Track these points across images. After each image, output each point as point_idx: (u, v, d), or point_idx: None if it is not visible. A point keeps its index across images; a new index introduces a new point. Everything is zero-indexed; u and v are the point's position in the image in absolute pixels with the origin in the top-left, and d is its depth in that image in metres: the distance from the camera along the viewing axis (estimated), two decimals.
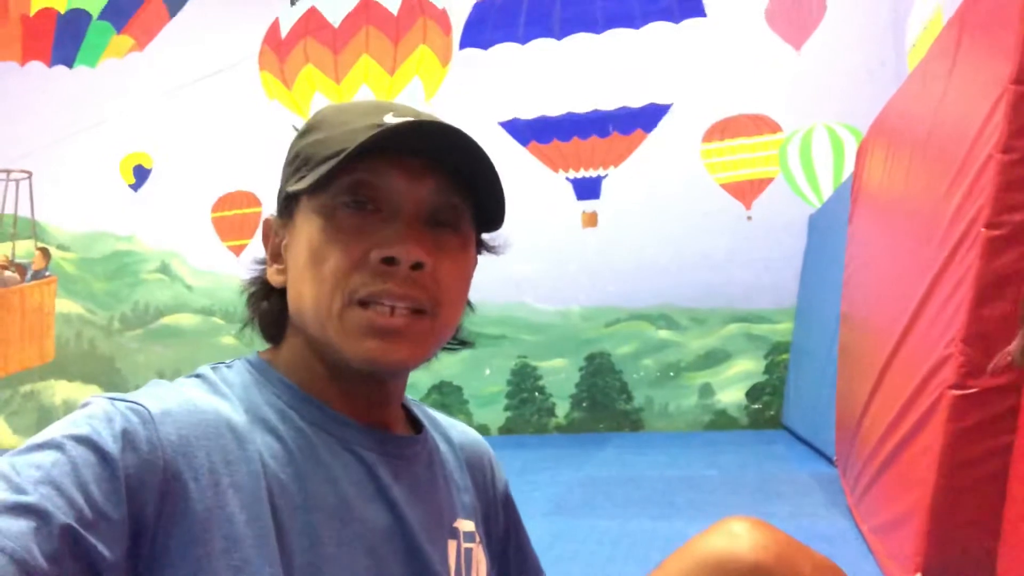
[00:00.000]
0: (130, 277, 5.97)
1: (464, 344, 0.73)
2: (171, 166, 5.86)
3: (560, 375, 5.10)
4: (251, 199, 5.67)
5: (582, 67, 5.06)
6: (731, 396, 4.83)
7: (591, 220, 5.07)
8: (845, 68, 4.61)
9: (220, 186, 5.74)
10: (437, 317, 0.62)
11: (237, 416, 0.58)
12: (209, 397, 0.58)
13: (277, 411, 0.61)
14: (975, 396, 1.36)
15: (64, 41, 5.85)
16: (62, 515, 0.44)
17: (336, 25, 5.43)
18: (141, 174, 5.91)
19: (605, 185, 5.05)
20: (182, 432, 0.53)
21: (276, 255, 0.66)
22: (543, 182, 5.09)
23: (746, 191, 4.84)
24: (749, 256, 4.77)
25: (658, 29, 4.96)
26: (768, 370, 4.77)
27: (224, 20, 5.74)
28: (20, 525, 0.43)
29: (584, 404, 5.05)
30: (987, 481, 1.36)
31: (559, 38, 5.07)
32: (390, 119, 0.60)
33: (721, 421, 4.81)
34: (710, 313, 4.90)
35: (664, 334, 4.97)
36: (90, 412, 0.52)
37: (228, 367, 0.64)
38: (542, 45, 5.12)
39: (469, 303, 0.70)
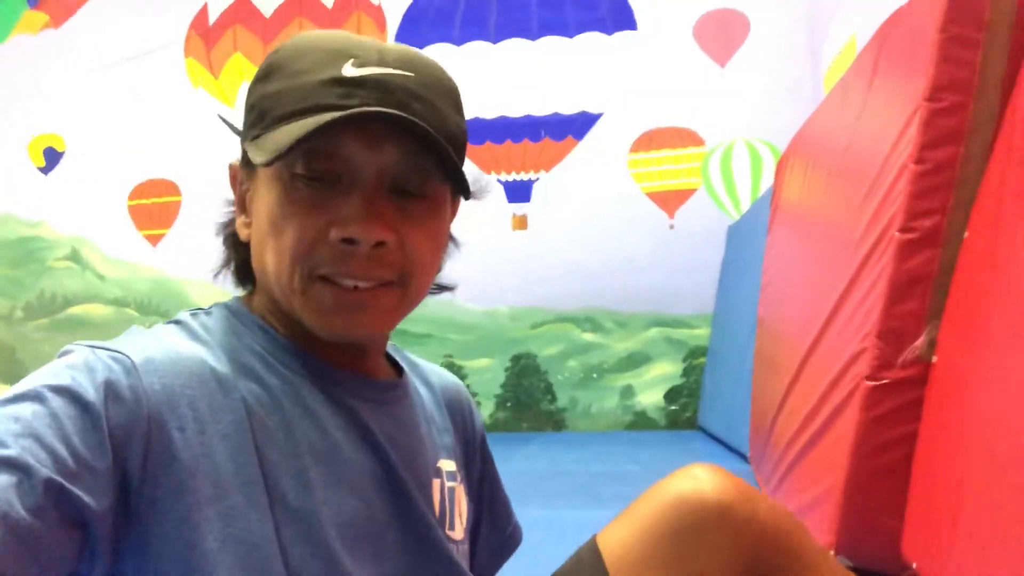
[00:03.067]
0: (36, 264, 5.67)
1: (444, 289, 0.73)
2: (86, 150, 5.60)
3: (486, 375, 5.14)
4: (171, 187, 5.48)
5: (517, 72, 5.14)
6: (650, 398, 4.98)
7: (521, 223, 5.14)
8: (765, 87, 4.84)
9: (138, 173, 5.52)
10: (407, 287, 0.61)
11: (220, 364, 0.57)
12: (191, 344, 0.58)
13: (259, 358, 0.60)
14: (887, 387, 1.47)
15: None
16: (44, 468, 0.44)
17: (268, 15, 5.32)
18: (52, 157, 5.62)
19: (535, 189, 5.14)
20: (165, 381, 0.53)
21: (243, 205, 0.65)
22: (474, 183, 5.12)
23: (669, 201, 5.01)
24: (671, 263, 4.93)
25: (591, 39, 5.09)
26: (686, 373, 4.95)
27: (149, 2, 5.55)
28: (1, 480, 0.42)
29: (509, 404, 5.11)
30: (895, 466, 1.47)
31: (494, 42, 5.13)
32: (349, 70, 0.57)
33: (640, 422, 4.96)
34: (632, 317, 5.04)
35: (589, 336, 5.09)
36: (70, 362, 0.51)
37: (207, 313, 0.63)
38: (477, 48, 5.16)
39: (454, 240, 0.69)
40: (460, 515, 0.72)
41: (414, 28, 5.20)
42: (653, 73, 5.02)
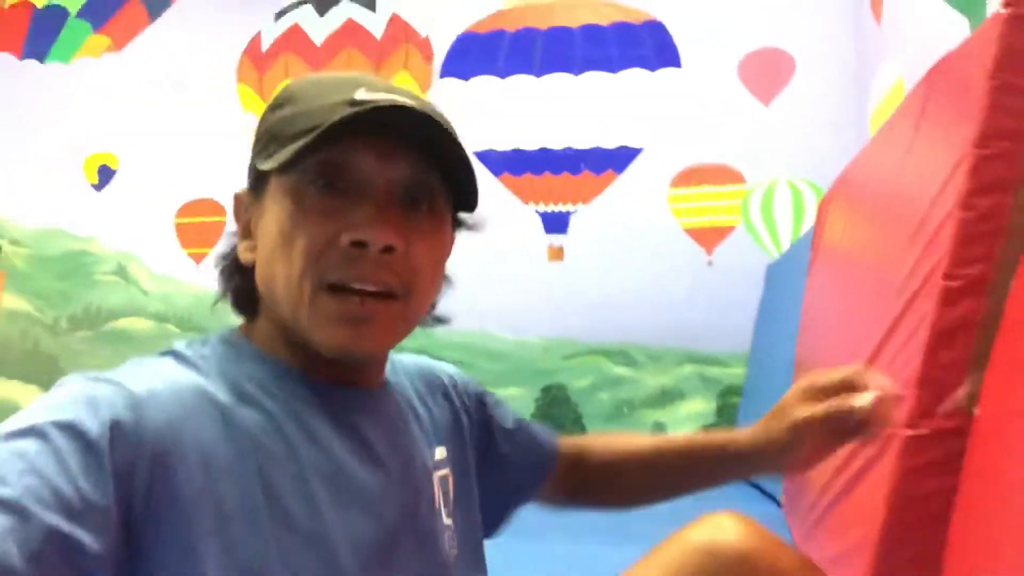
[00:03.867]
0: (83, 278, 5.82)
1: (440, 321, 0.73)
2: (138, 169, 5.77)
3: (516, 405, 5.08)
4: (217, 208, 5.61)
5: (559, 105, 5.18)
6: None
7: (557, 254, 5.15)
8: (809, 126, 4.81)
9: (186, 193, 5.67)
10: (409, 302, 0.62)
11: (220, 392, 0.57)
12: (190, 375, 0.58)
13: (258, 385, 0.60)
14: (926, 438, 1.43)
15: (38, 36, 5.76)
16: (46, 509, 0.43)
17: (319, 44, 5.47)
18: (106, 174, 5.80)
19: (573, 221, 5.15)
20: (168, 414, 0.53)
21: (247, 231, 0.66)
22: (512, 213, 5.17)
23: (708, 238, 4.98)
24: (707, 300, 4.89)
25: (634, 75, 5.12)
26: (719, 412, 4.87)
27: (205, 29, 5.73)
28: (0, 522, 0.42)
29: None
30: (932, 520, 1.43)
31: (538, 75, 5.19)
32: (362, 94, 0.59)
33: None
34: (666, 352, 4.99)
35: (621, 370, 5.04)
36: (73, 395, 0.51)
37: (203, 343, 0.64)
38: (521, 81, 5.23)
39: (448, 278, 0.70)
40: (450, 500, 0.73)
41: (460, 60, 5.29)
42: (696, 110, 5.02)
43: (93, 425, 0.48)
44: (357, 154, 0.59)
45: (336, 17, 5.47)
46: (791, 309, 3.31)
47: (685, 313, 4.91)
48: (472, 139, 5.23)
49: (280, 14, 5.58)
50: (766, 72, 4.93)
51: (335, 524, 0.57)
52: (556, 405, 5.09)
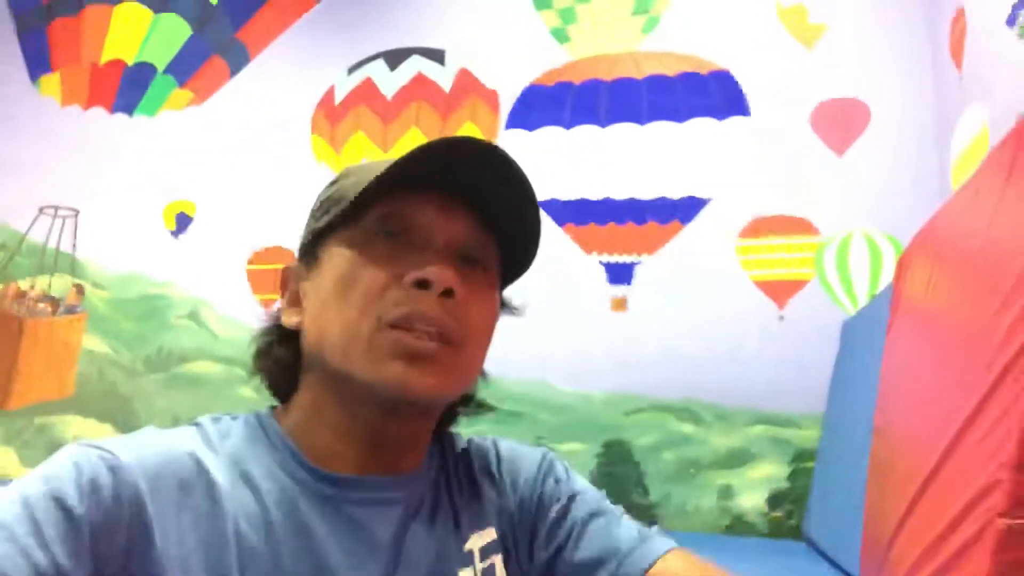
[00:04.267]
0: (159, 321, 6.03)
1: (483, 408, 0.71)
2: (213, 217, 6.00)
3: (576, 460, 4.98)
4: (287, 256, 5.75)
5: (624, 155, 5.15)
6: (751, 500, 4.66)
7: (621, 305, 5.05)
8: (886, 177, 4.63)
9: (259, 241, 5.85)
10: (462, 353, 0.61)
11: (219, 471, 0.56)
12: (195, 448, 0.57)
13: (264, 467, 0.59)
14: (1022, 529, 1.28)
15: (128, 91, 6.10)
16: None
17: (389, 97, 5.61)
18: (183, 222, 6.05)
19: (638, 272, 5.05)
20: (153, 485, 0.53)
21: (294, 300, 0.67)
22: (576, 264, 5.11)
23: (780, 291, 4.80)
24: (779, 357, 4.69)
25: (702, 125, 5.05)
26: (792, 477, 4.62)
27: (281, 83, 5.98)
28: None
29: None
30: None
31: (603, 126, 5.18)
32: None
33: (739, 526, 4.63)
34: (735, 411, 4.79)
35: (687, 428, 4.86)
36: (60, 463, 0.52)
37: (233, 418, 0.64)
38: (586, 131, 5.22)
39: (484, 374, 0.69)
40: None
41: (525, 112, 5.34)
42: (766, 160, 4.91)
43: (74, 492, 0.49)
44: (419, 206, 0.62)
45: (407, 71, 5.62)
46: (869, 369, 3.12)
47: (755, 370, 4.72)
48: (537, 189, 5.20)
49: (353, 68, 5.76)
50: (840, 122, 4.79)
51: None
52: (618, 462, 4.93)
